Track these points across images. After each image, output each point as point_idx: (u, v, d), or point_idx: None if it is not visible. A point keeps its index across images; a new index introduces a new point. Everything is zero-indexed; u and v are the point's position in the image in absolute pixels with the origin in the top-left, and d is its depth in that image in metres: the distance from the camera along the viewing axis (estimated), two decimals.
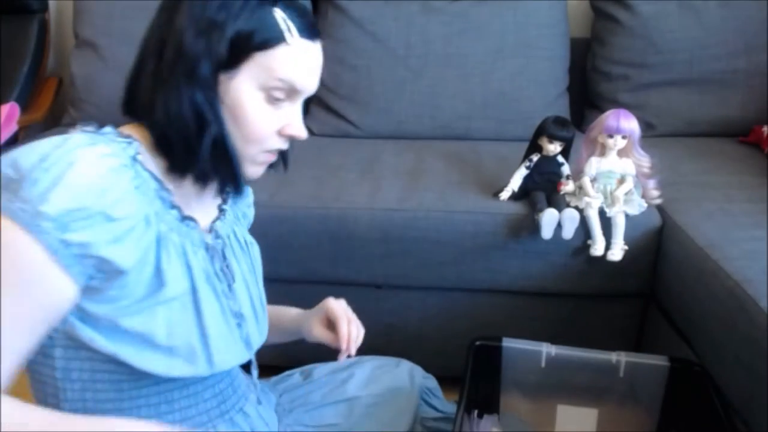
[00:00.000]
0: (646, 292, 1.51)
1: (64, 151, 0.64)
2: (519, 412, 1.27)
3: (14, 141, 2.01)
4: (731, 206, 1.41)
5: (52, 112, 2.26)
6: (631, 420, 1.23)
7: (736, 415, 1.09)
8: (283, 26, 0.71)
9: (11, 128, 1.93)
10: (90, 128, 0.71)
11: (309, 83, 0.76)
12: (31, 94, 2.21)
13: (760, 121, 1.86)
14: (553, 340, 1.22)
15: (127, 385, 0.74)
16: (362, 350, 0.95)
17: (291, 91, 0.74)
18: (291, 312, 1.06)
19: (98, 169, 0.65)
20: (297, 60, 0.73)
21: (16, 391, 0.65)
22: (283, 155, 0.85)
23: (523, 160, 1.50)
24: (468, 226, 1.47)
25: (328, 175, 1.63)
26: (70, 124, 2.11)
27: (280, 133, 0.77)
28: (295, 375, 1.11)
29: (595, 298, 1.53)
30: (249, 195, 0.98)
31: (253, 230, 1.03)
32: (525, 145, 1.52)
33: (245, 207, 0.97)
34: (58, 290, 0.65)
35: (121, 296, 0.68)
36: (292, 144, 0.83)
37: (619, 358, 1.19)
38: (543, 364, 1.21)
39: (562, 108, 1.98)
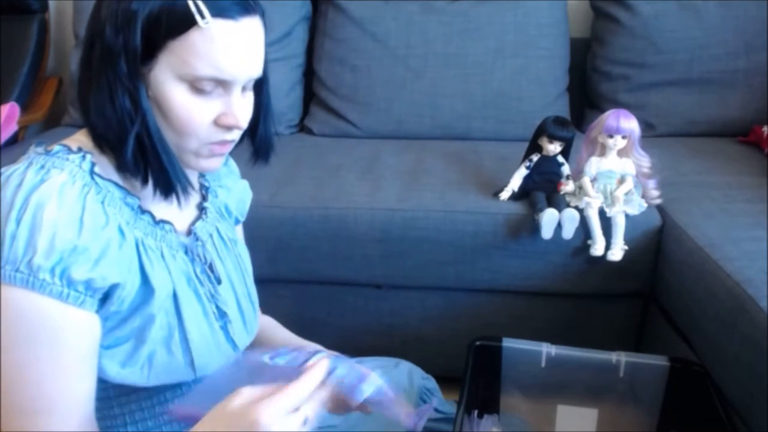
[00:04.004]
0: (646, 292, 1.51)
1: (23, 195, 0.62)
2: (519, 412, 1.27)
3: (14, 141, 2.00)
4: (731, 206, 1.41)
5: (52, 112, 2.26)
6: (631, 420, 1.23)
7: (736, 415, 1.09)
8: (192, 7, 0.63)
9: (11, 128, 1.93)
10: (40, 149, 0.68)
11: (237, 69, 0.67)
12: (31, 94, 2.21)
13: (760, 121, 1.86)
14: (553, 340, 1.22)
15: (114, 392, 0.74)
16: (362, 350, 0.94)
17: (218, 81, 0.67)
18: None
19: (65, 203, 0.63)
20: (215, 45, 0.64)
21: None
22: (262, 147, 0.81)
23: (523, 160, 1.50)
24: (468, 226, 1.47)
25: (327, 176, 1.63)
26: (70, 124, 2.11)
27: (216, 124, 0.69)
28: None
29: (595, 298, 1.53)
30: (240, 188, 0.93)
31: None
32: (525, 145, 1.52)
33: (232, 200, 0.91)
34: (84, 325, 0.65)
35: (118, 310, 0.68)
36: (272, 137, 0.78)
37: (619, 358, 1.19)
38: (543, 364, 1.21)
39: (562, 108, 1.98)
